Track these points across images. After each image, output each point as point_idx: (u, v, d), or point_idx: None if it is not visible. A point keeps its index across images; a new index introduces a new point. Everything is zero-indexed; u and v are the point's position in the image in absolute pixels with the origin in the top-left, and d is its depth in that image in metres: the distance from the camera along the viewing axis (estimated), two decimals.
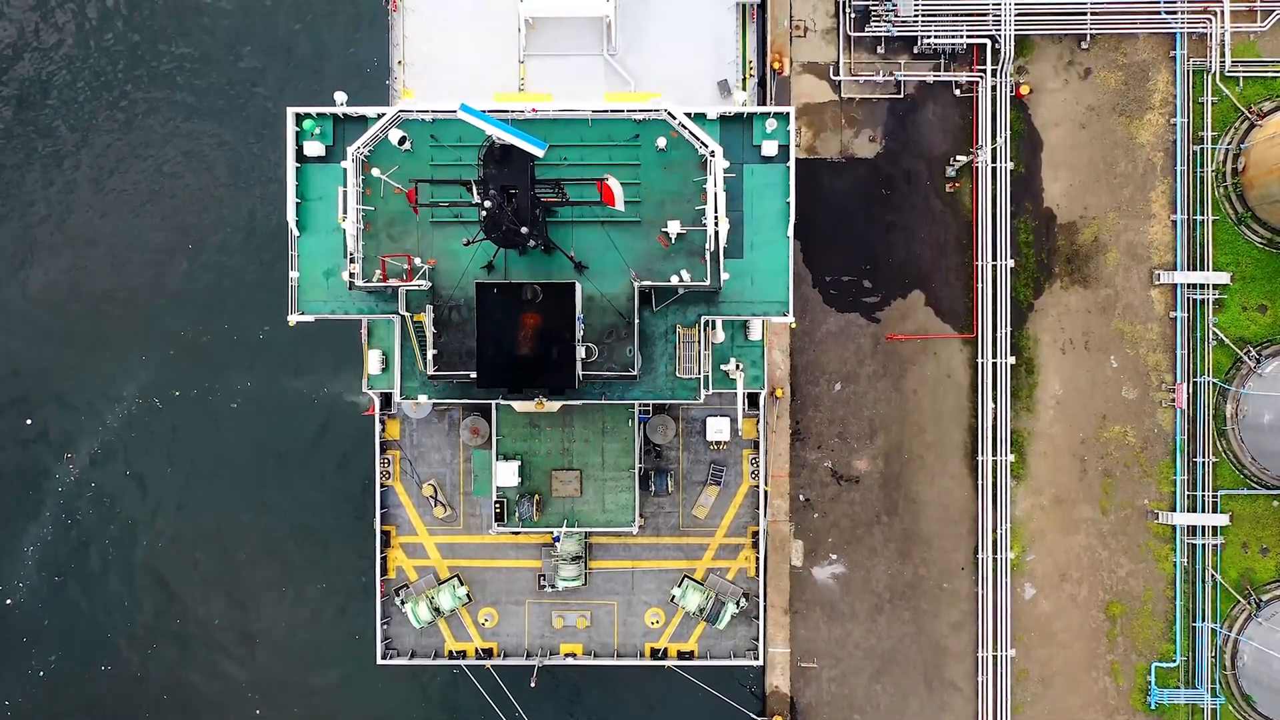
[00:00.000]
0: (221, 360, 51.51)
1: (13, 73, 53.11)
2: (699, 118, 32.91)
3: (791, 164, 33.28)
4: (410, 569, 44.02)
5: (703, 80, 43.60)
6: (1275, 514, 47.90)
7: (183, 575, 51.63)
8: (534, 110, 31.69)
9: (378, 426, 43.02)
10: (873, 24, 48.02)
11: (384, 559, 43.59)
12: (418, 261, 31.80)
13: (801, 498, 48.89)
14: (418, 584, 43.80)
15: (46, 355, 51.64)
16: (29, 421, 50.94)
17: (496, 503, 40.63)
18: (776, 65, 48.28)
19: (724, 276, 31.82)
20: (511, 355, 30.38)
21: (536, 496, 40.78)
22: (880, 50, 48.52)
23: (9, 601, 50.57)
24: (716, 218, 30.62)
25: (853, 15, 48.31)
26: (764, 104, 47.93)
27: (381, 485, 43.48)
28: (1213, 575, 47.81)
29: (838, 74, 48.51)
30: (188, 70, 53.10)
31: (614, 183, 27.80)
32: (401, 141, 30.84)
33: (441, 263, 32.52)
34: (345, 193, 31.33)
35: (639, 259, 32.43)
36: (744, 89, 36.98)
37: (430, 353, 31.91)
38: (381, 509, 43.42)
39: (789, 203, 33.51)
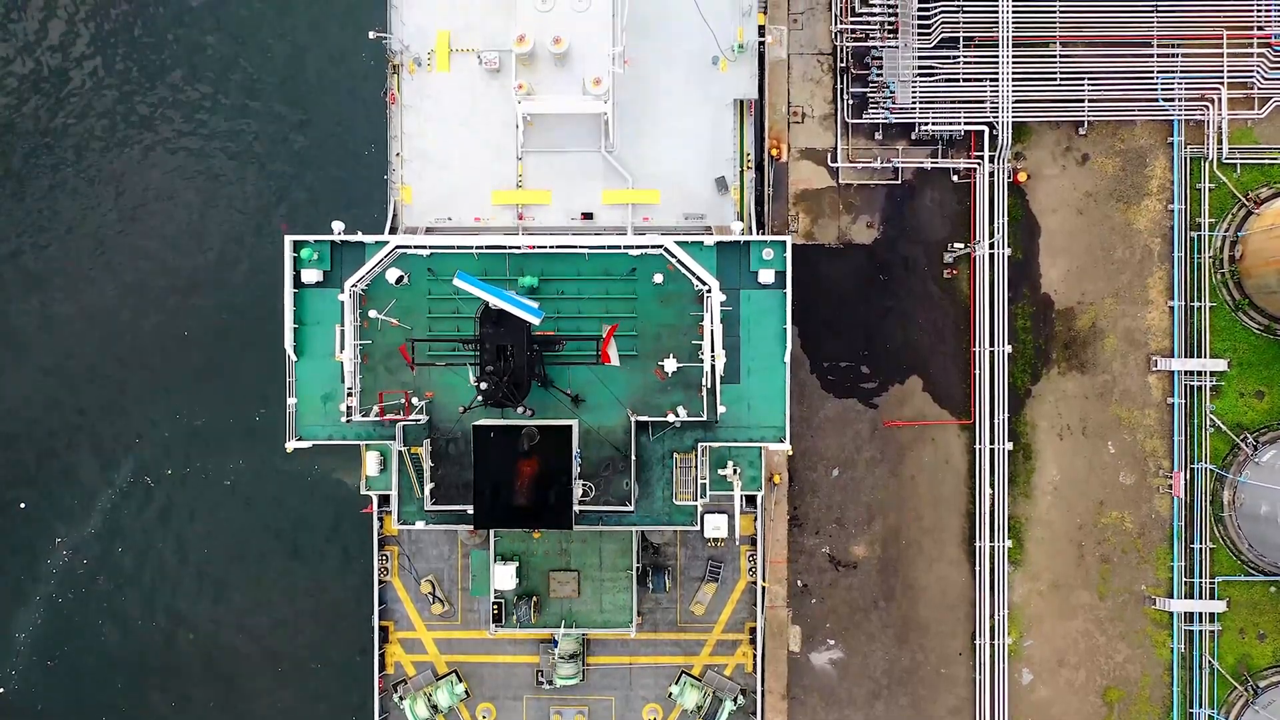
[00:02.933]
0: (216, 441, 51.64)
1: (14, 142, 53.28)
2: (695, 245, 32.97)
3: (788, 290, 33.33)
4: (408, 664, 44.11)
5: (700, 177, 43.80)
6: (1273, 600, 47.97)
7: (176, 657, 51.75)
8: (531, 247, 31.77)
9: (375, 524, 43.06)
10: (870, 110, 48.00)
11: (382, 655, 43.65)
12: (415, 400, 31.92)
13: (799, 583, 48.91)
14: (416, 680, 43.89)
15: (41, 438, 51.74)
16: (23, 505, 51.03)
17: (494, 604, 40.72)
18: (775, 151, 48.30)
19: (720, 410, 31.90)
20: (509, 501, 30.49)
21: (535, 598, 40.85)
22: (878, 136, 48.52)
23: (1, 690, 50.67)
24: (714, 354, 30.70)
25: (850, 102, 48.31)
26: (762, 188, 48.00)
27: (379, 581, 43.54)
28: (1210, 661, 47.85)
29: (835, 160, 48.51)
30: (184, 151, 53.22)
31: (612, 347, 27.91)
32: (399, 280, 30.92)
33: (439, 396, 32.62)
34: (342, 330, 31.40)
35: (635, 392, 32.52)
36: (740, 218, 37.07)
37: (428, 486, 31.99)
38: (379, 605, 43.49)
39: (785, 329, 33.56)
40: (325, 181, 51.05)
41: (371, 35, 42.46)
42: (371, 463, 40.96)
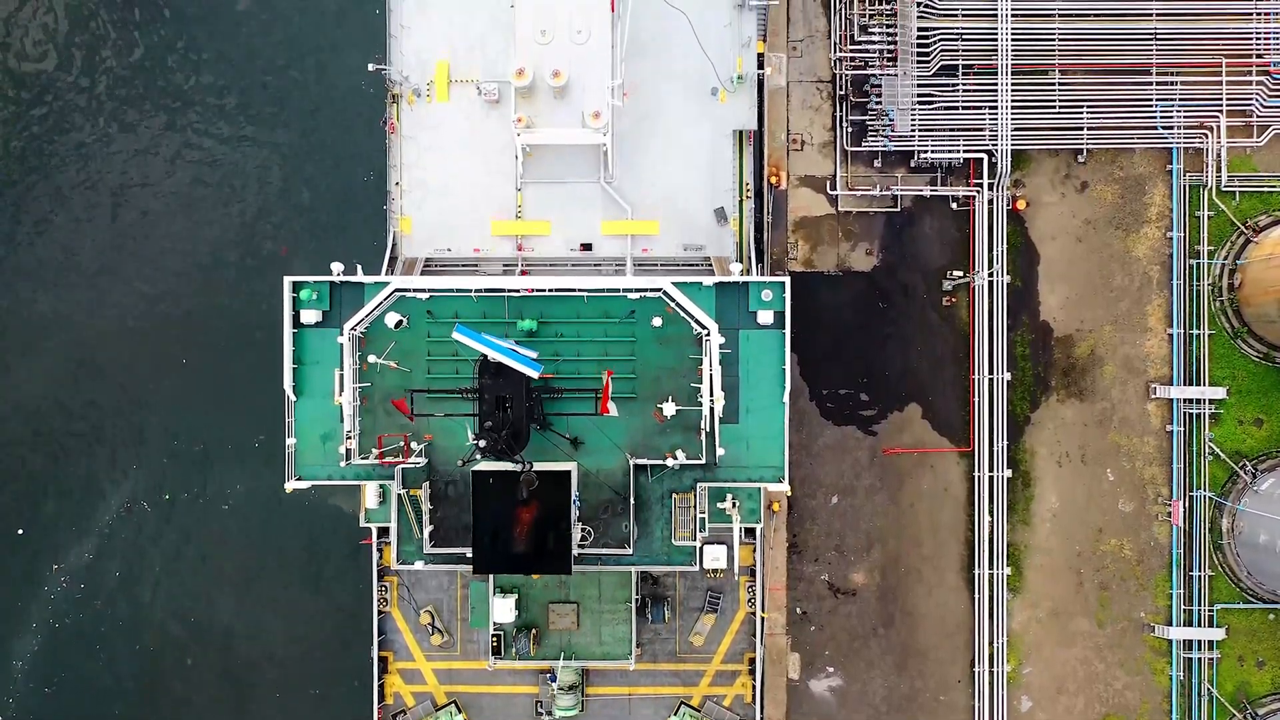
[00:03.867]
0: (215, 466, 51.69)
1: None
2: (694, 286, 32.99)
3: (786, 331, 33.37)
4: (407, 694, 44.11)
5: (700, 207, 43.86)
6: (1271, 627, 48.01)
7: (177, 680, 51.76)
8: (530, 290, 31.82)
9: (375, 554, 43.04)
10: (869, 138, 48.03)
11: (381, 685, 43.65)
12: (414, 445, 31.97)
13: (798, 611, 48.94)
14: (415, 710, 43.89)
15: (37, 462, 51.77)
16: (20, 532, 51.07)
17: (494, 636, 40.78)
18: (774, 179, 48.30)
19: (719, 452, 31.95)
20: (507, 547, 30.56)
21: (534, 630, 40.89)
22: (877, 164, 48.56)
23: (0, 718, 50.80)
24: (712, 398, 30.75)
25: (849, 129, 48.34)
26: (762, 213, 47.96)
27: (379, 612, 43.54)
28: (1209, 689, 47.89)
29: (835, 188, 48.52)
30: (182, 172, 53.24)
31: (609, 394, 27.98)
32: (397, 324, 30.99)
33: (438, 438, 32.65)
34: (341, 375, 31.45)
35: (634, 434, 32.55)
36: (739, 260, 37.16)
37: (427, 529, 32.05)
38: (379, 635, 43.51)
39: (785, 369, 33.59)
40: (325, 206, 51.14)
41: (371, 68, 42.46)
42: (371, 495, 40.82)
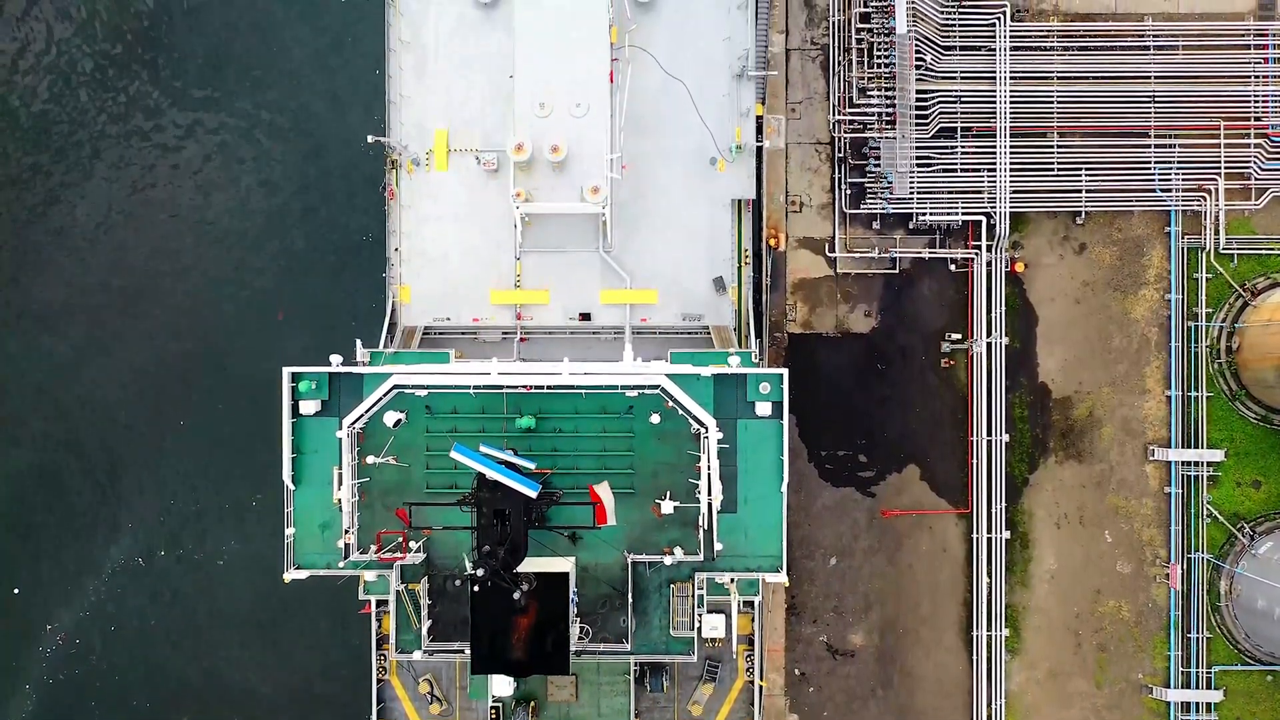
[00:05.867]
0: (210, 524, 51.69)
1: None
2: (691, 378, 32.95)
3: (785, 421, 33.38)
4: None
5: (698, 276, 43.95)
6: (1269, 689, 48.08)
7: None
8: (528, 388, 31.84)
9: (374, 623, 43.02)
10: (868, 200, 48.04)
11: None
12: (413, 544, 32.00)
13: (797, 672, 48.98)
14: None
15: (32, 522, 51.75)
16: (16, 591, 51.06)
17: (492, 709, 40.80)
18: (773, 241, 48.32)
19: (718, 548, 31.98)
20: (505, 651, 30.59)
21: (532, 703, 40.90)
22: (876, 226, 48.56)
23: None
24: (710, 497, 30.77)
25: (848, 192, 48.33)
26: (761, 276, 47.99)
27: (378, 680, 43.52)
28: None
29: (833, 250, 48.51)
30: (178, 224, 53.23)
31: (606, 496, 28.00)
32: (396, 424, 31.01)
33: (436, 533, 32.65)
34: (340, 472, 31.46)
35: (632, 529, 32.56)
36: (737, 328, 37.37)
37: (425, 624, 32.07)
38: (378, 703, 43.48)
39: (783, 459, 33.61)
40: (323, 268, 51.19)
41: (370, 139, 42.49)
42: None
